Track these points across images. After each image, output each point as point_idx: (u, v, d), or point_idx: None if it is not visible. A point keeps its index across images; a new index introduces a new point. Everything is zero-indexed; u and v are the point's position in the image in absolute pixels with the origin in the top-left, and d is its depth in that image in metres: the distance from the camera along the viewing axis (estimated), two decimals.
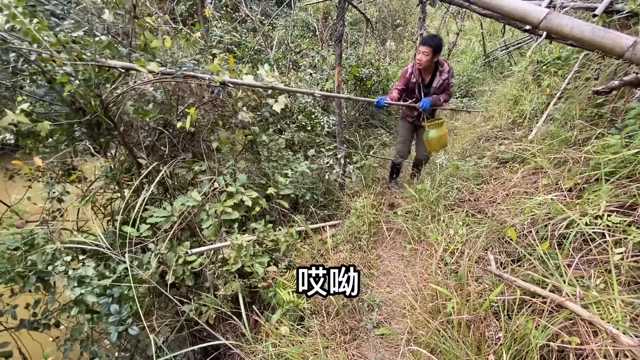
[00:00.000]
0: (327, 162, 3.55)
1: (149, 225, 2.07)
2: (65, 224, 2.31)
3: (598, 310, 1.37)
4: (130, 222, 2.03)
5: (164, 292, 1.86)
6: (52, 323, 2.03)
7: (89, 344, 1.99)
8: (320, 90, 4.65)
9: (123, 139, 2.28)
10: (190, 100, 2.49)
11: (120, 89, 2.12)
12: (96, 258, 2.18)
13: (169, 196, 2.56)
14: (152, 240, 2.06)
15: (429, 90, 3.02)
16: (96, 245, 1.84)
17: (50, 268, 1.85)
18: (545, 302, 1.50)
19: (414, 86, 3.01)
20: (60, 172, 2.39)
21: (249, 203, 2.30)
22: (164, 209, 2.18)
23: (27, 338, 1.99)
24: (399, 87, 3.06)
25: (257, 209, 2.44)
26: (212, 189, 2.31)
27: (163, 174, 2.24)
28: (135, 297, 1.67)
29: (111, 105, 2.14)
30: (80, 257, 2.13)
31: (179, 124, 2.22)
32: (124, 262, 1.80)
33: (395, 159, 3.58)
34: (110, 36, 2.36)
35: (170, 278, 1.98)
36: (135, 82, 2.17)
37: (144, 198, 2.07)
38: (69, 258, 1.91)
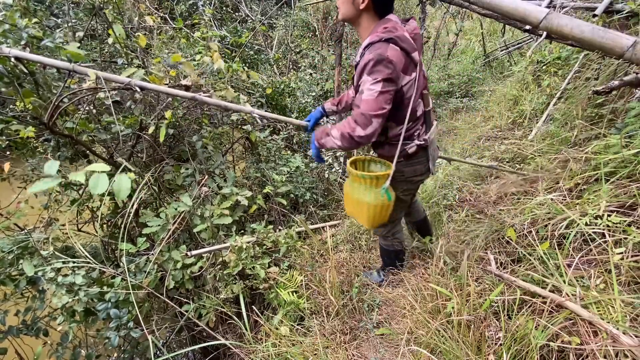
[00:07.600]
0: (327, 161, 3.55)
1: (145, 238, 2.04)
2: (64, 225, 2.29)
3: (598, 310, 1.37)
4: (125, 229, 1.93)
5: (162, 297, 1.84)
6: (42, 330, 1.97)
7: (79, 353, 1.95)
8: (320, 90, 4.65)
9: (87, 147, 2.14)
10: (169, 99, 2.16)
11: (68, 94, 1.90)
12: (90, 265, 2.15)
13: (164, 196, 2.49)
14: (150, 253, 2.03)
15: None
16: (87, 258, 1.79)
17: (40, 274, 1.81)
18: (545, 302, 1.50)
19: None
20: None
21: (245, 202, 2.29)
22: (158, 215, 2.12)
23: (20, 341, 1.99)
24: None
25: (254, 207, 2.43)
26: (202, 192, 2.24)
27: (147, 182, 2.05)
28: (135, 302, 1.66)
29: (60, 114, 1.93)
30: (72, 263, 2.00)
31: (150, 129, 2.02)
32: (119, 268, 1.78)
33: (395, 244, 2.07)
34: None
35: (170, 283, 1.97)
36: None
37: (132, 209, 1.92)
38: (59, 265, 1.83)
